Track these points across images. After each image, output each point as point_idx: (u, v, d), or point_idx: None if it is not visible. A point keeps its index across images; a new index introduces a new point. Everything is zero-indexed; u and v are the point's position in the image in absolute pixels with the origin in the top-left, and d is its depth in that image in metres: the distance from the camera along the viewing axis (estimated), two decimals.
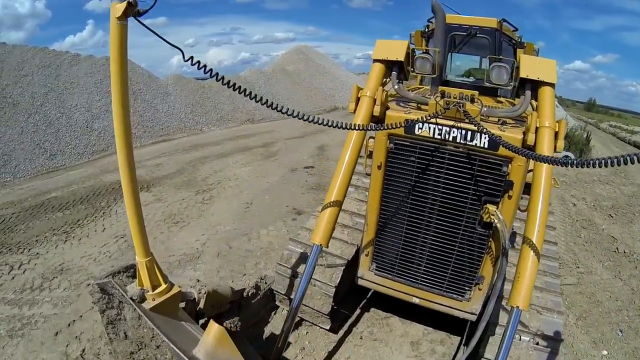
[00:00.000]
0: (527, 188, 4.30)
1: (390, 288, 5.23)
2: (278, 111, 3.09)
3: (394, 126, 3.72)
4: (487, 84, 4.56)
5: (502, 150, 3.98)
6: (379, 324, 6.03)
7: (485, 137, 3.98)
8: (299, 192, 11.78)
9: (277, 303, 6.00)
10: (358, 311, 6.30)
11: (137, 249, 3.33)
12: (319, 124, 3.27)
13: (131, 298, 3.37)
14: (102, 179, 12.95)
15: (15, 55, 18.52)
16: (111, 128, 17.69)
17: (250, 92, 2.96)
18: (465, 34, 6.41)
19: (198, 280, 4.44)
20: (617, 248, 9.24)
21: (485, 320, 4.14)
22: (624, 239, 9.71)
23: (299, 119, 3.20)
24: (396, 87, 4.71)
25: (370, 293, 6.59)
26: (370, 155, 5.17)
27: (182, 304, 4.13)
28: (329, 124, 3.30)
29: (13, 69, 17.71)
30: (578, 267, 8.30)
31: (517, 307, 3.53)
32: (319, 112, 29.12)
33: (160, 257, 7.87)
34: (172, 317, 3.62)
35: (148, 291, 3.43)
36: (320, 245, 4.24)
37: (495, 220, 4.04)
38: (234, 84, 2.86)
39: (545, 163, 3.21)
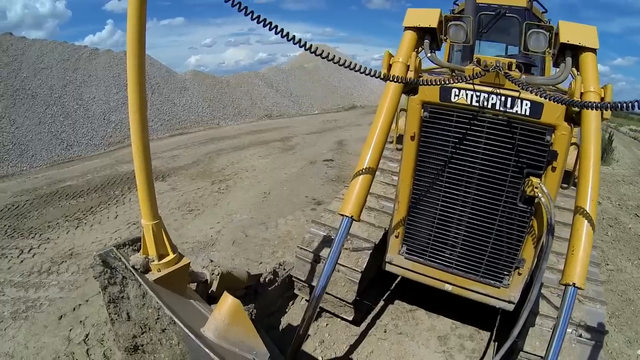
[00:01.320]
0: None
1: (421, 274, 4.74)
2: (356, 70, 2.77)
3: (433, 83, 3.33)
4: (522, 57, 4.18)
5: (544, 118, 3.59)
6: (404, 317, 5.58)
7: (526, 104, 3.61)
8: (318, 184, 11.34)
9: (296, 291, 5.53)
10: (382, 303, 5.83)
11: (143, 209, 2.89)
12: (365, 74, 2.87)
13: (133, 267, 2.94)
14: (117, 169, 12.79)
15: (35, 48, 18.60)
16: (127, 120, 18.00)
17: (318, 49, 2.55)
18: (493, 13, 6.10)
19: (211, 261, 4.03)
20: None
21: (529, 307, 3.70)
22: None
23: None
24: (429, 55, 4.28)
25: (394, 284, 6.16)
26: (399, 140, 4.76)
27: (193, 286, 3.74)
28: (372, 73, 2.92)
29: (32, 62, 17.76)
30: (607, 265, 7.82)
31: (573, 284, 3.05)
32: (337, 110, 28.89)
33: None
34: (179, 293, 3.19)
35: (153, 260, 3.00)
36: (352, 217, 3.66)
37: (539, 194, 3.60)
38: (288, 34, 2.39)
39: (594, 109, 3.02)
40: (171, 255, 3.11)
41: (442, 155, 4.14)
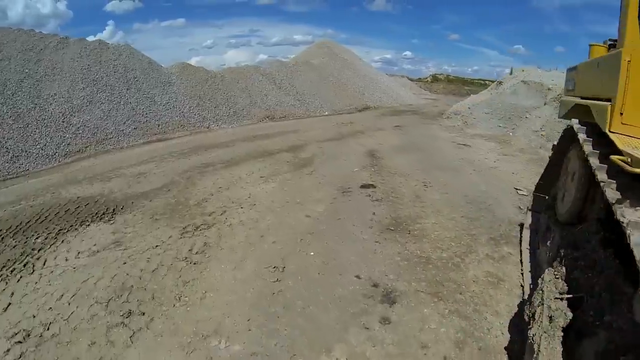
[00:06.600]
0: None
1: None
2: None
3: None
4: None
5: None
6: None
7: None
8: (370, 240, 6.08)
9: None
10: None
11: None
12: None
13: None
14: (62, 192, 8.80)
15: None
16: (91, 123, 13.48)
17: None
18: None
19: None
20: None
21: None
22: None
23: None
24: None
25: None
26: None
27: None
28: None
29: None
30: None
31: None
32: (350, 112, 24.61)
33: None
34: None
35: None
36: None
37: None
38: None
39: None
40: None
41: None
